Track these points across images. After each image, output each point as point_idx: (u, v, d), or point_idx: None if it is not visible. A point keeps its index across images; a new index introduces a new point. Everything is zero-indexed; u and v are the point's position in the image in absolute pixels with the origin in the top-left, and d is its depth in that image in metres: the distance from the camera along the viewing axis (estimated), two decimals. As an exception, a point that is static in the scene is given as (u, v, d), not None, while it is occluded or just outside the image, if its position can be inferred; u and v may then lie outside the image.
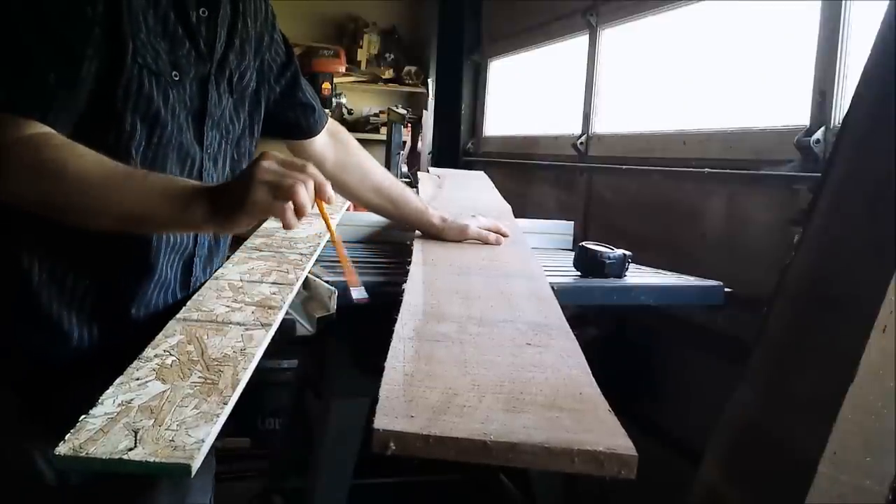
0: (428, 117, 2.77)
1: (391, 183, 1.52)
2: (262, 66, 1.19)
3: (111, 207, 0.89)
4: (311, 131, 1.38)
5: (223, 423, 0.69)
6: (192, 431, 0.65)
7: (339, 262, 1.09)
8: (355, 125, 3.96)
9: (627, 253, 1.48)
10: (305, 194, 0.87)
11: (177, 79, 1.01)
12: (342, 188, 1.47)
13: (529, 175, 2.79)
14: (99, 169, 0.89)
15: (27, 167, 0.87)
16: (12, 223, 0.97)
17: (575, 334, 1.00)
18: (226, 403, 0.71)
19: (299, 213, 0.87)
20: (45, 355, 0.99)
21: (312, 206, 0.89)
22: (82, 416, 0.66)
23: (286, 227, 0.88)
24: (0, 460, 0.99)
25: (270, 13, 1.21)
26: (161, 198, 0.89)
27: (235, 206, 0.87)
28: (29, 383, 0.99)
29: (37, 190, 0.88)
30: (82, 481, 0.97)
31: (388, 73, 4.10)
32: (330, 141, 1.43)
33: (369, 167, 1.48)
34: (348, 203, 1.77)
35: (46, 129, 0.90)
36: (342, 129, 1.49)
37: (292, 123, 1.34)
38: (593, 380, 0.84)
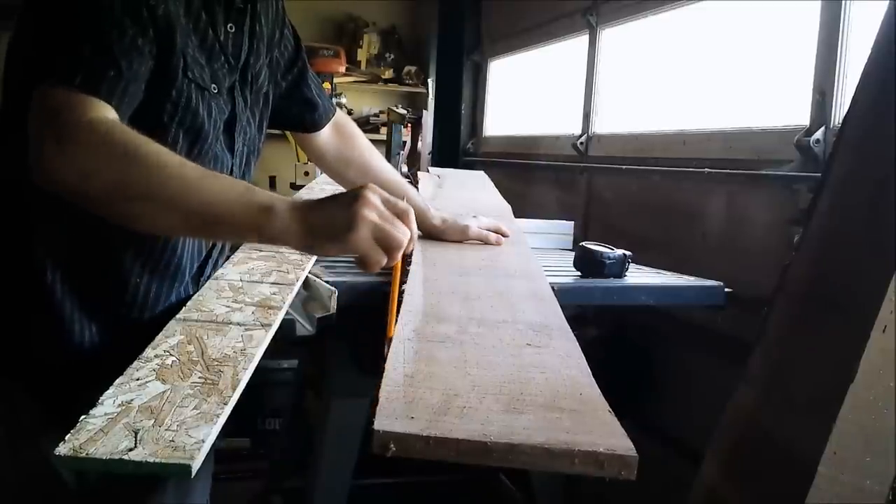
0: (428, 117, 2.76)
1: (393, 181, 1.49)
2: (271, 62, 1.19)
3: (190, 199, 0.82)
4: (315, 126, 1.37)
5: (223, 423, 0.69)
6: (193, 432, 0.65)
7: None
8: (355, 125, 3.98)
9: (627, 253, 1.48)
10: (402, 251, 0.84)
11: (216, 91, 1.02)
12: (342, 182, 1.47)
13: (529, 175, 2.79)
14: (175, 157, 0.85)
15: (100, 147, 0.82)
16: (36, 240, 0.97)
17: (575, 334, 1.00)
18: (226, 404, 0.71)
19: (389, 264, 0.84)
20: (62, 361, 1.00)
21: None
22: (82, 417, 0.66)
23: (367, 270, 0.84)
24: (19, 463, 1.00)
25: (281, 8, 1.21)
26: (240, 198, 0.83)
27: (335, 235, 0.82)
28: (47, 388, 1.00)
29: (111, 170, 0.82)
30: (100, 484, 0.97)
31: (388, 73, 4.10)
32: (334, 134, 1.42)
33: (372, 163, 1.47)
34: None
35: (115, 116, 0.87)
36: (348, 122, 1.48)
37: (296, 118, 1.33)
38: (593, 380, 0.84)
